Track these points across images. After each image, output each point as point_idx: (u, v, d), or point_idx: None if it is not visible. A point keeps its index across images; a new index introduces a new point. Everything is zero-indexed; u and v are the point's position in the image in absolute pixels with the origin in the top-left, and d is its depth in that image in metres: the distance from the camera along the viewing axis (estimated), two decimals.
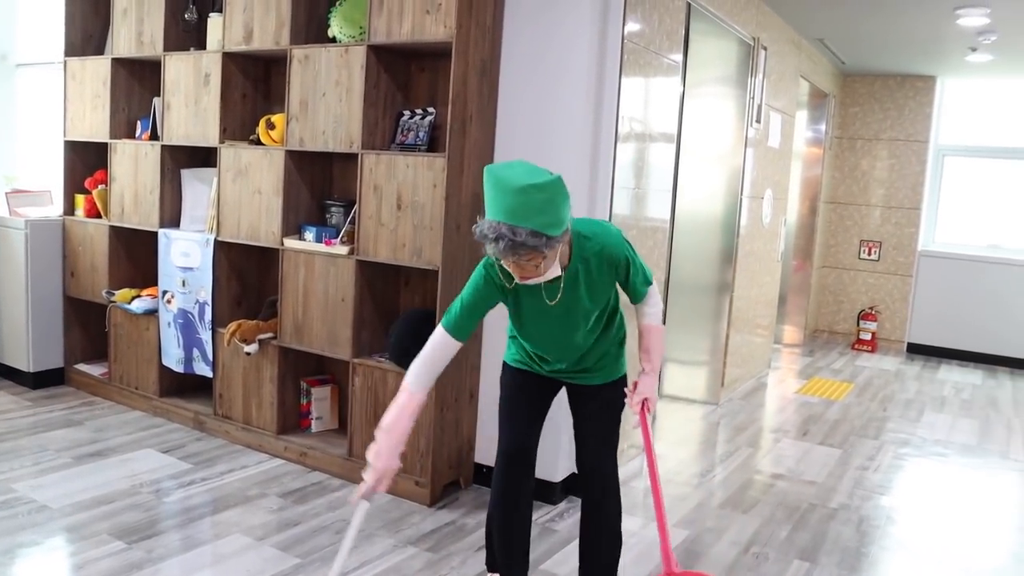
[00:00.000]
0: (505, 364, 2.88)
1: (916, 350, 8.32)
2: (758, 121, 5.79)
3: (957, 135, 8.51)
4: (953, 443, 5.34)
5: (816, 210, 8.23)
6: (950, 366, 7.87)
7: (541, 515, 3.70)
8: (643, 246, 4.25)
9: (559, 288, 2.54)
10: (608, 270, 2.57)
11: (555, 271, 2.43)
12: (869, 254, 8.65)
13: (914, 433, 5.50)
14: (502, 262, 2.40)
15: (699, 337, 5.95)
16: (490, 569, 3.01)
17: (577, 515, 3.02)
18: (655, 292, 2.76)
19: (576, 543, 3.01)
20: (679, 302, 5.88)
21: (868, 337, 8.34)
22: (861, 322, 8.41)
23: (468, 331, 2.59)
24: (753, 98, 5.65)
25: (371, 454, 2.52)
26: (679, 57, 4.49)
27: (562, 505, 3.87)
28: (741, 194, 5.72)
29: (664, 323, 2.86)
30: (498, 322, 3.49)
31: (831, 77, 8.12)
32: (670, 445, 4.92)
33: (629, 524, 3.70)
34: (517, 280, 2.44)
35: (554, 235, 2.29)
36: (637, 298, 2.72)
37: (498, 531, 2.89)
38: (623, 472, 4.31)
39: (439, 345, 2.58)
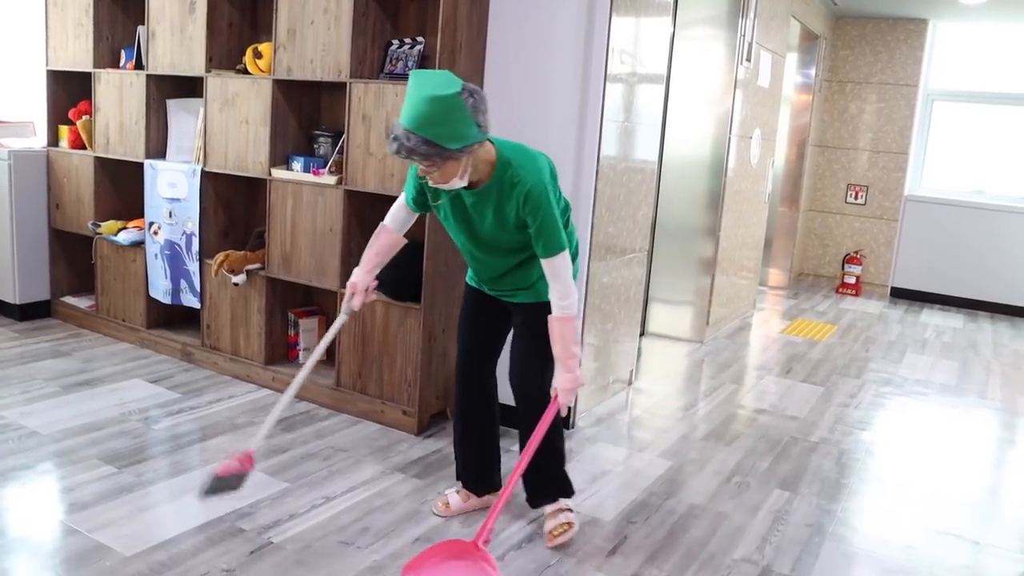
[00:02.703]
0: (465, 282, 3.01)
1: (899, 294, 8.40)
2: (748, 60, 5.75)
3: (947, 80, 8.49)
4: (933, 383, 5.42)
5: (804, 154, 8.22)
6: (932, 310, 7.95)
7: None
8: (630, 184, 4.25)
9: (445, 195, 2.61)
10: (512, 204, 2.53)
11: (458, 183, 2.46)
12: (856, 198, 8.67)
13: (895, 373, 5.58)
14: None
15: (685, 277, 5.99)
16: (460, 480, 3.12)
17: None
18: (566, 277, 2.56)
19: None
20: (666, 242, 5.91)
21: (852, 281, 8.40)
22: (846, 266, 8.46)
23: (417, 206, 2.77)
24: (744, 36, 5.60)
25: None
26: None
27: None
28: (730, 133, 5.70)
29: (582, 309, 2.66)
30: None
31: (822, 19, 8.06)
32: (654, 380, 4.98)
33: (613, 454, 3.78)
34: (428, 181, 2.50)
35: (450, 147, 2.32)
36: (542, 255, 2.56)
37: (457, 442, 3.08)
38: (608, 406, 4.40)
39: (399, 208, 2.81)
